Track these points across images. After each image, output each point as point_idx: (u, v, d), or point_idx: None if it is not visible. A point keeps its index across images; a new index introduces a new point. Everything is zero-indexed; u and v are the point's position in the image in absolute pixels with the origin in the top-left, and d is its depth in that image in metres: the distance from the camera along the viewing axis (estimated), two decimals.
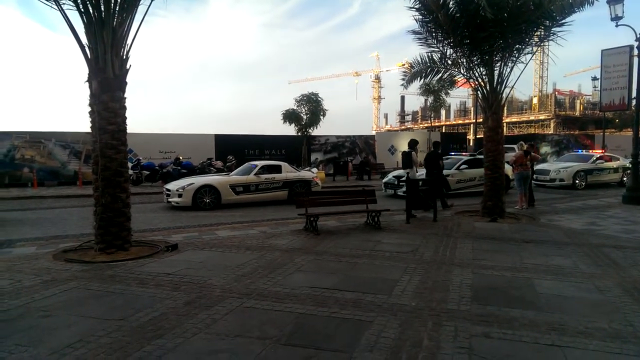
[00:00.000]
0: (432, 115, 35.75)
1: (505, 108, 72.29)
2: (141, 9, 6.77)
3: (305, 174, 13.82)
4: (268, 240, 7.71)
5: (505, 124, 64.40)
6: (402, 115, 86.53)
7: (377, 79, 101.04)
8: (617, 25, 12.59)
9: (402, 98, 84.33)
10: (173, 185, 12.22)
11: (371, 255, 6.65)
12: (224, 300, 4.62)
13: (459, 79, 13.70)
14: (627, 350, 3.48)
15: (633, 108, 13.40)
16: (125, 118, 6.89)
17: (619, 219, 9.94)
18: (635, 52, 12.67)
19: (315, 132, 22.77)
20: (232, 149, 20.45)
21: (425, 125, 66.48)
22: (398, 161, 23.51)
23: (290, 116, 21.28)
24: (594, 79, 27.78)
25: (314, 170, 16.04)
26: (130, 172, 16.82)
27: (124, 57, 6.78)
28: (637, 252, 6.82)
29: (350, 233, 8.37)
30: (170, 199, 11.91)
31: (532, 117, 67.22)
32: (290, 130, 22.31)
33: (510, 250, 6.97)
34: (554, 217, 10.33)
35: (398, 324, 4.01)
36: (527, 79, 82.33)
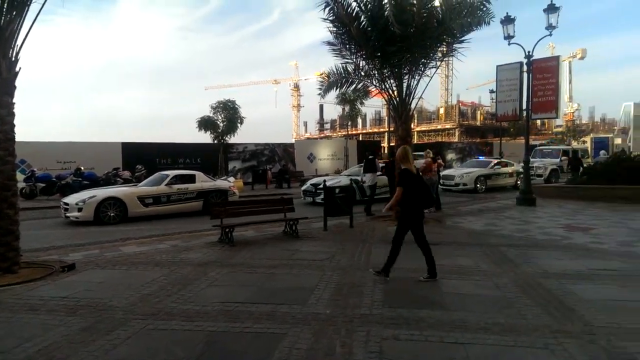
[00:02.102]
0: (350, 123, 36.86)
1: (416, 118, 76.60)
2: (35, 7, 6.13)
3: (222, 183, 13.42)
4: (179, 254, 7.32)
5: (415, 133, 67.83)
6: (321, 123, 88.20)
7: (297, 87, 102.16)
8: (509, 44, 13.91)
9: (321, 107, 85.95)
10: (72, 199, 11.18)
11: (288, 264, 6.59)
12: (127, 323, 4.27)
13: (373, 89, 14.26)
14: (520, 342, 3.77)
15: (524, 118, 14.85)
16: (14, 125, 6.19)
17: (514, 219, 10.92)
18: (525, 68, 14.09)
19: (233, 139, 22.32)
20: (142, 158, 19.27)
21: (343, 133, 68.51)
22: (317, 169, 23.93)
23: (205, 123, 20.59)
24: (492, 91, 30.45)
25: (231, 179, 15.66)
26: (23, 184, 15.16)
27: (13, 58, 6.10)
28: (529, 249, 7.50)
29: (267, 243, 8.24)
30: (68, 214, 10.87)
31: (439, 126, 72.08)
32: (206, 138, 21.64)
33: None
34: (458, 219, 11.07)
35: (312, 333, 3.98)
36: (434, 91, 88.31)
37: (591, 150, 35.73)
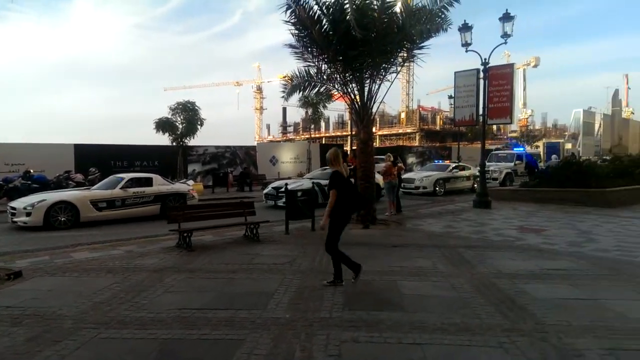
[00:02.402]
0: (313, 126, 36.94)
1: (378, 122, 77.79)
2: None
3: (180, 186, 13.07)
4: (134, 260, 7.06)
5: (378, 137, 68.71)
6: (285, 126, 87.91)
7: (259, 89, 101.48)
8: (467, 51, 14.37)
9: (284, 110, 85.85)
10: (20, 203, 10.57)
11: (248, 269, 6.49)
12: (76, 333, 4.05)
13: (336, 93, 14.33)
14: (475, 341, 3.86)
15: (481, 123, 15.35)
16: None
17: (471, 221, 11.25)
18: (481, 75, 14.60)
19: (193, 142, 21.81)
20: (96, 160, 18.43)
21: (307, 136, 68.56)
22: (280, 172, 23.80)
23: (163, 125, 19.94)
24: (450, 97, 31.32)
25: (190, 182, 15.28)
26: None
27: None
28: (484, 250, 7.73)
29: (227, 247, 8.09)
30: (16, 219, 10.26)
31: (400, 130, 73.49)
32: (164, 140, 21.02)
33: (380, 255, 7.38)
34: (418, 221, 11.29)
35: (271, 338, 3.92)
36: (396, 95, 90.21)
37: (544, 155, 37.49)
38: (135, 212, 11.58)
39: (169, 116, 20.26)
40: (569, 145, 52.43)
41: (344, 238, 8.88)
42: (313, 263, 6.82)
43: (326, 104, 24.11)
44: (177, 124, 20.24)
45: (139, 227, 10.71)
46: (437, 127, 73.84)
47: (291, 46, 11.12)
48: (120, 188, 11.44)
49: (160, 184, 12.19)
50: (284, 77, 11.92)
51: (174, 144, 20.47)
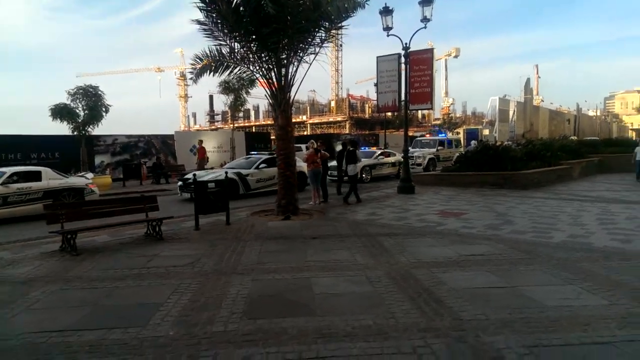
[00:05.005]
0: (242, 115, 35.49)
1: (308, 110, 77.36)
2: None
3: (76, 180, 11.50)
4: (1, 270, 5.85)
5: (308, 125, 68.51)
6: (212, 114, 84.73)
7: (182, 76, 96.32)
8: (388, 35, 14.09)
9: (211, 97, 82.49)
10: None
11: (140, 274, 5.57)
12: None
13: (261, 79, 13.45)
14: (387, 348, 3.35)
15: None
16: None
17: (394, 207, 11.02)
18: (403, 60, 14.43)
19: (100, 131, 19.73)
20: None
21: (237, 125, 66.40)
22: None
23: (61, 112, 17.55)
24: (376, 85, 31.46)
25: (89, 175, 13.67)
26: None
27: None
28: (405, 238, 7.41)
29: (121, 249, 7.04)
30: None
31: (331, 119, 73.74)
32: (65, 129, 18.64)
33: (297, 249, 6.79)
34: (342, 210, 10.86)
35: None
36: (325, 84, 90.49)
37: (464, 141, 39.19)
38: (20, 210, 9.97)
39: (68, 102, 17.98)
40: (486, 132, 55.49)
41: (258, 232, 8.26)
42: (220, 263, 6.04)
43: (249, 90, 22.97)
44: (78, 111, 18.04)
45: (20, 229, 9.17)
46: (367, 115, 75.03)
47: (199, 22, 10.04)
48: (1, 184, 9.80)
49: (52, 178, 10.61)
50: (195, 58, 10.80)
51: (75, 133, 18.23)
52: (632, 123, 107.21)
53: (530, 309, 4.07)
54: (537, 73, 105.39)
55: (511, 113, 61.24)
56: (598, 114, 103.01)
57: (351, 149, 12.63)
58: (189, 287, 4.96)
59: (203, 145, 20.96)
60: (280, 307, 4.32)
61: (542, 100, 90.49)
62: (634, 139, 51.44)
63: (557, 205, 10.81)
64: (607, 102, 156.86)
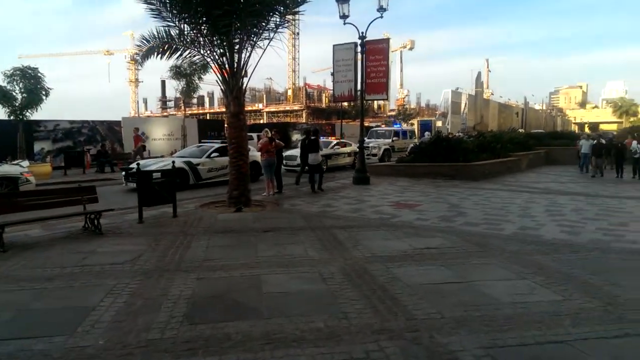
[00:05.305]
0: (193, 101, 34.24)
1: (265, 98, 76.17)
2: None
3: (9, 169, 10.54)
4: None
5: (265, 113, 67.52)
6: (164, 100, 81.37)
7: (133, 60, 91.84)
8: (344, 23, 13.83)
9: (163, 82, 78.68)
10: None
11: (72, 273, 5.08)
12: None
13: (214, 64, 12.83)
14: (338, 354, 3.15)
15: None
16: None
17: (349, 198, 10.89)
18: (359, 49, 14.25)
19: (42, 116, 18.33)
20: None
21: (190, 112, 64.18)
22: (150, 150, 21.34)
23: None
24: (332, 73, 31.28)
25: (25, 163, 12.63)
26: None
27: None
28: (360, 230, 7.27)
29: (54, 244, 6.44)
30: None
31: (288, 108, 72.94)
32: (1, 113, 17.21)
33: (248, 243, 6.48)
34: (296, 201, 10.60)
35: None
36: (282, 72, 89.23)
37: (418, 132, 39.92)
38: None
39: (4, 84, 16.53)
40: (439, 123, 56.82)
41: (206, 224, 7.85)
42: (163, 259, 5.63)
43: (202, 76, 22.04)
44: (15, 94, 16.62)
45: None
46: (324, 105, 74.82)
47: (146, 1, 9.37)
48: None
49: None
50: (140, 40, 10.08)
51: (12, 117, 16.83)
52: (575, 117, 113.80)
53: (485, 305, 4.00)
54: (488, 67, 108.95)
55: (463, 105, 63.10)
56: (544, 107, 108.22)
57: (313, 137, 12.39)
58: (126, 288, 4.54)
59: (139, 133, 20.51)
60: (225, 308, 4.02)
61: (492, 94, 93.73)
62: (576, 132, 54.41)
63: (507, 196, 11.09)
64: (552, 96, 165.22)
